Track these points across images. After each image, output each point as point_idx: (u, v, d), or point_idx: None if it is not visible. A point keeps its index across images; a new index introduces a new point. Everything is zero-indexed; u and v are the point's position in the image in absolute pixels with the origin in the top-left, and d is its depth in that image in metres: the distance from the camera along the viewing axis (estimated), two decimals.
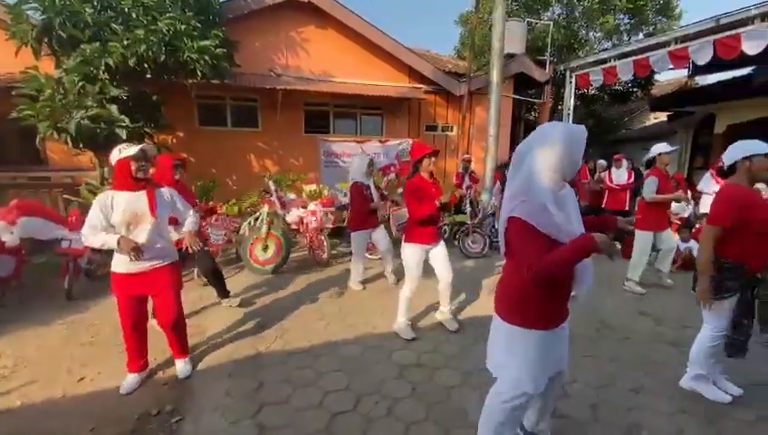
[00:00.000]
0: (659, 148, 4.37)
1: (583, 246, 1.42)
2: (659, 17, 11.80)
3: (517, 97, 9.41)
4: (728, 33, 5.88)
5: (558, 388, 1.89)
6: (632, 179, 6.32)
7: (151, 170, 2.69)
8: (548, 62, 9.27)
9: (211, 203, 5.28)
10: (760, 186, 5.16)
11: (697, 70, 9.95)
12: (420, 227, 3.19)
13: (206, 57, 5.32)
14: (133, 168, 2.48)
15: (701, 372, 2.46)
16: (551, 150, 1.51)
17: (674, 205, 5.08)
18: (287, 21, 7.70)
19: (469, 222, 6.13)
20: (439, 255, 3.33)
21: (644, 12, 11.46)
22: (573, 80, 8.70)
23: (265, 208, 5.02)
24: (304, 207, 5.39)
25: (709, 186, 5.31)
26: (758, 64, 7.76)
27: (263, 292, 4.42)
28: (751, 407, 2.37)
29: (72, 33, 4.88)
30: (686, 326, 3.50)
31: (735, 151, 2.33)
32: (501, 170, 7.61)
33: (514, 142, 10.90)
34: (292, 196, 5.47)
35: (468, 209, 6.24)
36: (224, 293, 3.99)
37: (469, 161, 7.31)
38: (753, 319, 2.32)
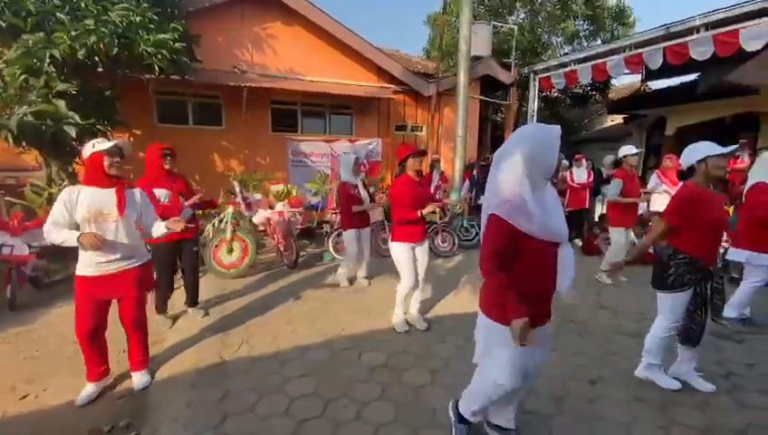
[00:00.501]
0: (625, 150, 4.59)
1: (511, 312, 1.54)
2: (615, 24, 12.42)
3: (484, 99, 9.61)
4: (677, 40, 6.26)
5: (530, 384, 1.93)
6: (591, 178, 6.60)
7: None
8: (513, 65, 9.52)
9: None
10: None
11: (650, 75, 10.58)
12: (407, 226, 3.25)
13: (164, 51, 5.08)
14: (106, 163, 2.38)
15: (654, 362, 2.60)
16: (526, 151, 1.56)
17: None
18: (252, 16, 7.49)
19: (438, 221, 6.19)
20: (420, 255, 3.38)
21: (601, 19, 12.02)
22: (537, 82, 8.99)
23: (230, 210, 4.85)
24: (271, 207, 5.27)
25: (657, 185, 5.62)
26: (703, 71, 8.33)
27: (228, 297, 4.27)
28: (698, 392, 2.52)
29: (12, 22, 4.52)
30: (645, 318, 3.69)
31: (691, 155, 2.46)
32: (469, 170, 7.76)
33: (482, 143, 11.15)
34: (258, 196, 5.32)
35: (437, 209, 6.29)
36: (194, 300, 3.82)
37: (438, 161, 7.38)
38: (706, 310, 2.45)
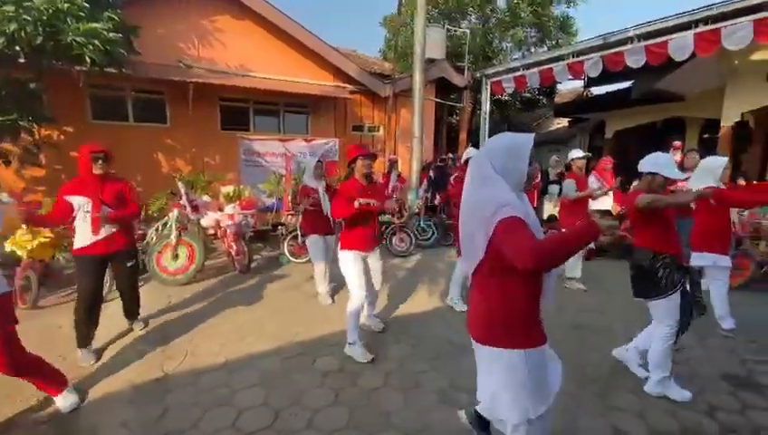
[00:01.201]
0: (573, 154, 4.84)
1: (588, 232, 1.37)
2: (560, 33, 13.13)
3: (439, 101, 9.80)
4: (614, 49, 6.72)
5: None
6: (539, 179, 6.92)
7: None
8: (466, 69, 9.79)
9: None
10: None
11: (591, 81, 11.28)
12: (354, 232, 2.98)
13: (96, 42, 4.67)
14: None
15: (665, 375, 2.49)
16: (498, 162, 1.50)
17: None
18: (198, 8, 7.13)
19: (396, 221, 6.22)
20: (373, 263, 3.19)
21: (547, 27, 12.65)
22: (489, 86, 9.30)
23: (174, 213, 4.56)
24: (221, 209, 5.02)
25: (600, 185, 5.99)
26: (636, 78, 9.02)
27: (172, 306, 4.00)
28: (634, 375, 2.69)
29: None
30: (585, 310, 3.92)
31: (648, 163, 2.55)
32: (426, 171, 7.87)
33: (438, 144, 11.37)
34: (206, 198, 5.05)
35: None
36: (134, 314, 3.44)
37: (396, 162, 7.41)
38: (691, 306, 2.50)
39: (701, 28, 5.68)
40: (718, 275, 3.40)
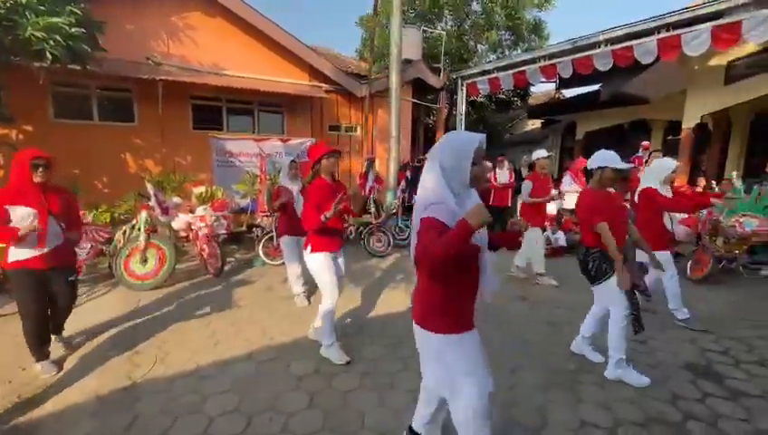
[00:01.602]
0: (537, 153, 4.94)
1: (460, 229, 1.38)
2: (533, 36, 13.48)
3: (416, 101, 9.85)
4: (584, 53, 6.94)
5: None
6: (513, 179, 7.07)
7: None
8: (442, 70, 9.88)
9: None
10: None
11: (563, 83, 11.62)
12: (323, 235, 2.92)
13: (58, 37, 4.46)
14: None
15: (622, 357, 2.66)
16: (443, 159, 1.56)
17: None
18: (168, 4, 6.92)
19: (374, 222, 6.22)
20: (339, 264, 3.14)
21: (520, 30, 12.96)
22: (464, 88, 9.43)
23: (143, 215, 4.40)
24: (192, 211, 4.89)
25: (570, 185, 6.17)
26: (604, 82, 9.35)
27: (141, 311, 3.86)
28: (598, 368, 2.79)
29: None
30: (558, 307, 4.02)
31: (596, 159, 2.73)
32: (404, 171, 7.90)
33: (415, 144, 11.43)
34: (176, 199, 4.90)
35: (372, 209, 6.32)
36: (59, 327, 3.10)
37: (373, 160, 7.41)
38: (634, 293, 2.66)
39: (664, 34, 5.95)
40: (668, 268, 3.54)
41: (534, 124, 16.26)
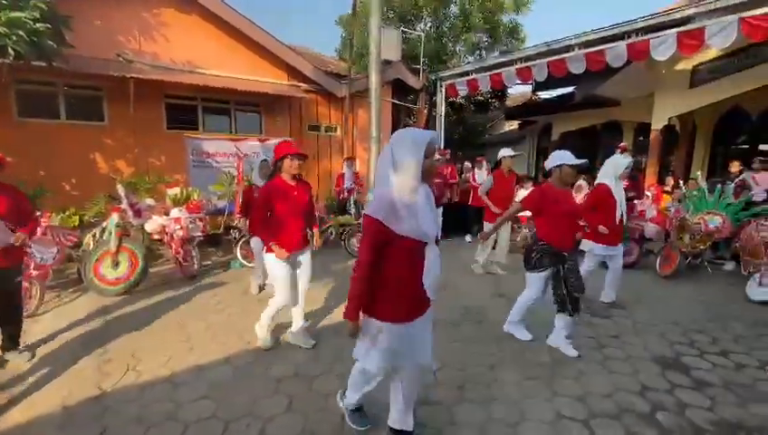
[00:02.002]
0: (503, 152, 5.08)
1: (349, 310, 1.74)
2: (510, 39, 13.71)
3: (395, 102, 9.88)
4: (559, 56, 7.12)
5: (419, 382, 1.96)
6: (451, 177, 7.25)
7: None
8: (421, 71, 9.94)
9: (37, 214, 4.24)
10: (581, 182, 6.38)
11: (538, 86, 11.89)
12: (280, 236, 2.85)
13: (21, 33, 4.26)
14: None
15: (514, 319, 3.27)
16: (394, 155, 1.65)
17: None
18: (139, 0, 6.69)
19: (354, 222, 6.19)
20: (304, 261, 3.07)
21: (497, 32, 13.17)
22: (443, 89, 9.52)
23: (113, 217, 4.24)
24: (167, 213, 4.75)
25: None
26: (578, 84, 9.62)
27: (112, 317, 3.73)
28: (576, 365, 2.87)
29: None
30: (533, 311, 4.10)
31: (553, 159, 2.98)
32: None
33: None
34: (149, 201, 4.75)
35: (353, 210, 6.29)
36: (13, 341, 2.94)
37: (352, 160, 7.38)
38: (566, 286, 2.90)
39: (633, 39, 6.16)
40: (588, 259, 3.97)
41: (512, 125, 16.57)
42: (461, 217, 7.41)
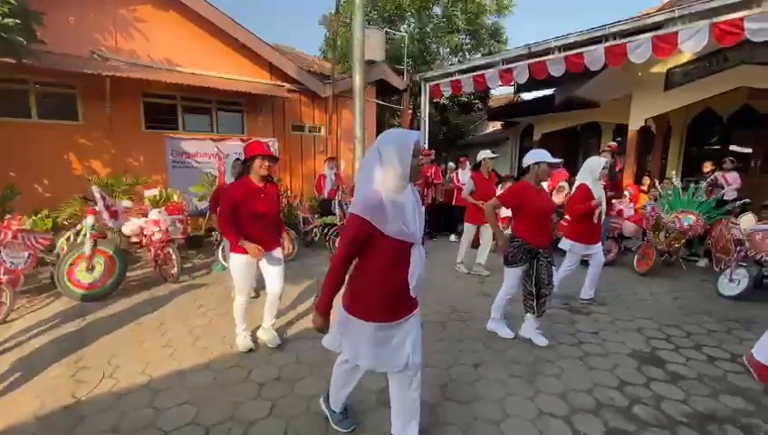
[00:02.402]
0: (483, 154, 5.16)
1: (319, 303, 1.80)
2: (492, 41, 13.90)
3: (380, 102, 9.89)
4: (539, 58, 7.24)
5: (413, 387, 1.89)
6: (434, 177, 7.31)
7: None
8: (405, 72, 9.98)
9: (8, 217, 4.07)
10: (563, 183, 6.49)
11: (520, 87, 12.07)
12: (248, 234, 2.82)
13: None
14: None
15: (496, 316, 3.35)
16: (381, 156, 1.64)
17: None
18: None
19: (339, 223, 6.16)
20: (271, 264, 3.01)
21: (480, 34, 13.34)
22: (428, 89, 9.57)
23: (88, 220, 4.11)
24: (145, 215, 4.63)
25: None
26: (558, 86, 9.81)
27: (88, 323, 3.61)
28: (556, 363, 2.93)
29: None
30: (517, 301, 4.15)
31: (529, 157, 3.06)
32: None
33: None
34: (126, 203, 4.62)
35: (338, 211, 6.26)
36: None
37: (334, 160, 7.34)
38: (536, 283, 3.02)
39: (610, 42, 6.32)
40: (569, 259, 4.10)
41: (495, 126, 16.78)
42: (445, 217, 7.47)
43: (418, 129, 10.44)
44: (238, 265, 2.91)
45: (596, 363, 2.94)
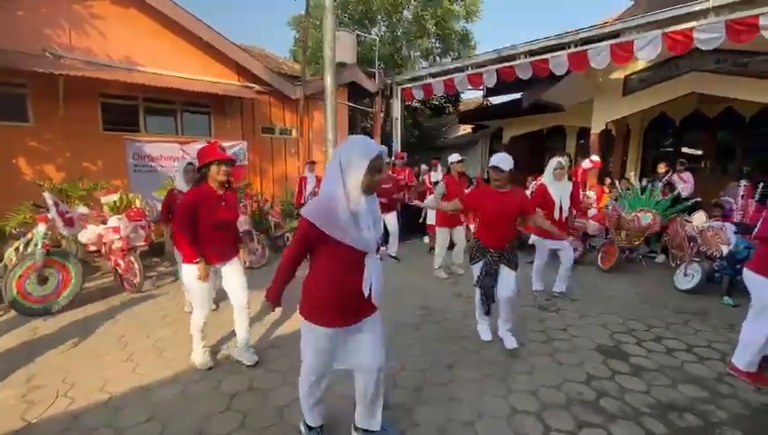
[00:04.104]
0: (452, 158, 5.25)
1: (268, 294, 1.90)
2: (461, 46, 14.19)
3: (351, 105, 9.85)
4: (507, 63, 7.45)
5: (374, 386, 1.93)
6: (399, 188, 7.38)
7: None
8: (377, 75, 9.99)
9: None
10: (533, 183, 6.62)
11: (489, 91, 12.36)
12: (207, 245, 2.68)
13: None
14: None
15: (479, 316, 3.36)
16: (344, 158, 1.65)
17: None
18: None
19: None
20: (232, 273, 2.84)
21: (450, 39, 13.58)
22: (400, 92, 9.63)
23: (40, 228, 3.84)
24: (104, 222, 4.38)
25: None
26: (525, 90, 10.11)
27: (40, 339, 3.37)
28: (528, 360, 2.99)
29: None
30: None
31: (491, 161, 3.10)
32: None
33: None
34: (82, 209, 4.36)
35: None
36: None
37: (314, 163, 7.24)
38: (489, 279, 3.10)
39: (573, 49, 6.59)
40: (538, 254, 4.30)
41: (466, 129, 17.09)
42: (419, 219, 7.51)
43: (391, 131, 10.47)
44: (191, 276, 2.70)
45: (565, 359, 3.03)
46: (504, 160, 2.98)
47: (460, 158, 5.25)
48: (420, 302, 4.22)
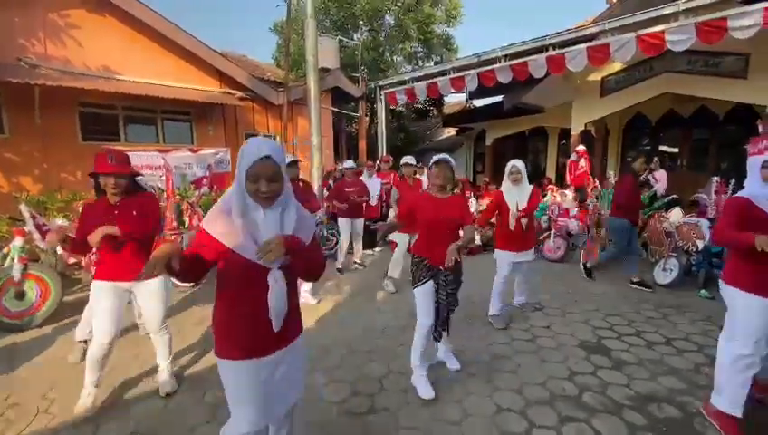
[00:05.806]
0: (404, 160, 5.08)
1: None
2: (444, 49, 14.37)
3: (335, 110, 9.88)
4: (488, 67, 7.58)
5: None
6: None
7: None
8: (360, 79, 10.05)
9: None
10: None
11: (472, 95, 12.52)
12: (106, 257, 2.43)
13: None
14: None
15: (415, 363, 2.67)
16: (238, 163, 1.45)
17: None
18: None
19: None
20: (144, 294, 2.55)
21: (432, 43, 13.74)
22: (384, 97, 9.69)
23: (17, 241, 3.74)
24: None
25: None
26: (506, 93, 10.29)
27: (17, 355, 3.27)
28: (512, 359, 3.04)
29: None
30: (471, 301, 4.28)
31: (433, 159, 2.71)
32: (327, 179, 7.84)
33: (338, 152, 11.43)
34: (60, 221, 4.27)
35: None
36: None
37: (296, 163, 7.20)
38: (445, 301, 2.58)
39: (551, 52, 6.74)
40: (499, 270, 3.74)
41: (450, 132, 17.26)
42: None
43: (376, 136, 10.51)
44: (98, 293, 2.44)
45: (549, 356, 3.08)
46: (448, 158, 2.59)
47: (413, 160, 4.92)
48: (406, 307, 4.23)
